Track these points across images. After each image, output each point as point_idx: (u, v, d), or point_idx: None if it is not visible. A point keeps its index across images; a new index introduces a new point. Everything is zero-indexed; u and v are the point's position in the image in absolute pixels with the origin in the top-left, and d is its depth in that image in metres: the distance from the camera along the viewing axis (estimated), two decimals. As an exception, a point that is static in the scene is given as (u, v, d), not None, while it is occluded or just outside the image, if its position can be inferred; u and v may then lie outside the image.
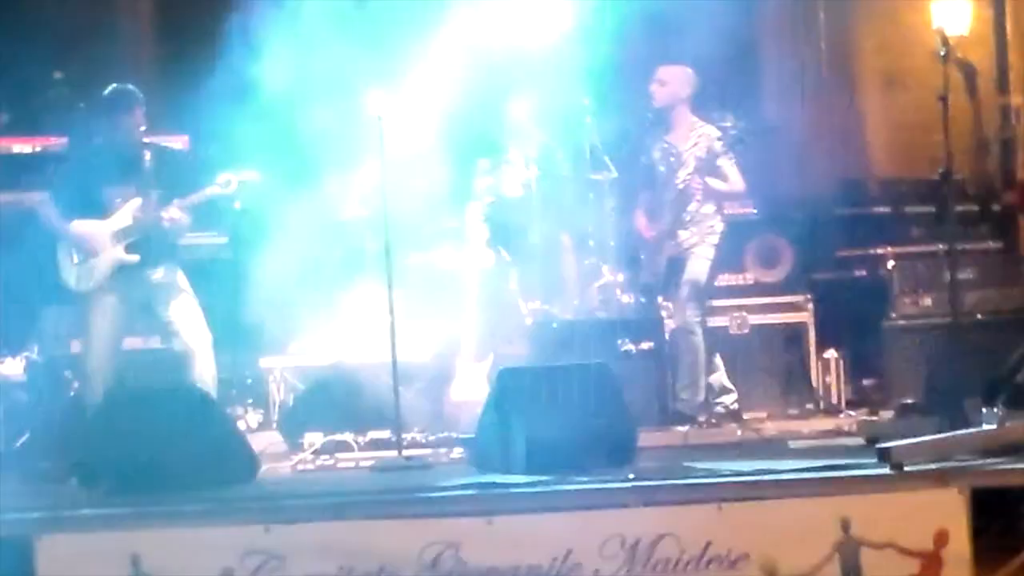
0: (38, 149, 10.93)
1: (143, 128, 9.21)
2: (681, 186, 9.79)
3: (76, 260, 9.16)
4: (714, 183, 9.74)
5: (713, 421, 9.70)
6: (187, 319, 9.24)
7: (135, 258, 9.13)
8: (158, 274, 9.23)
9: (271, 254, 10.19)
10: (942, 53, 8.74)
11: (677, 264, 9.88)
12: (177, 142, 10.91)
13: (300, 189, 10.72)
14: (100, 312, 9.20)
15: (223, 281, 10.25)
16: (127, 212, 9.13)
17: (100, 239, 9.11)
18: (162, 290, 9.23)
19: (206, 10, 13.62)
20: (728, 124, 9.71)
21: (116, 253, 9.10)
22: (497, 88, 11.23)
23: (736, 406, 9.90)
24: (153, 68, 13.49)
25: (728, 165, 9.75)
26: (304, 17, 13.30)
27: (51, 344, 10.17)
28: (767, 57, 13.41)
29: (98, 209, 9.16)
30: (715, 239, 9.89)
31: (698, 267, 9.81)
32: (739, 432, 9.25)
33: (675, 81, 10.01)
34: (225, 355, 10.11)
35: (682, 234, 9.83)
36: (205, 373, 9.17)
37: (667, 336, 10.21)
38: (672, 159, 9.87)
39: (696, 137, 9.88)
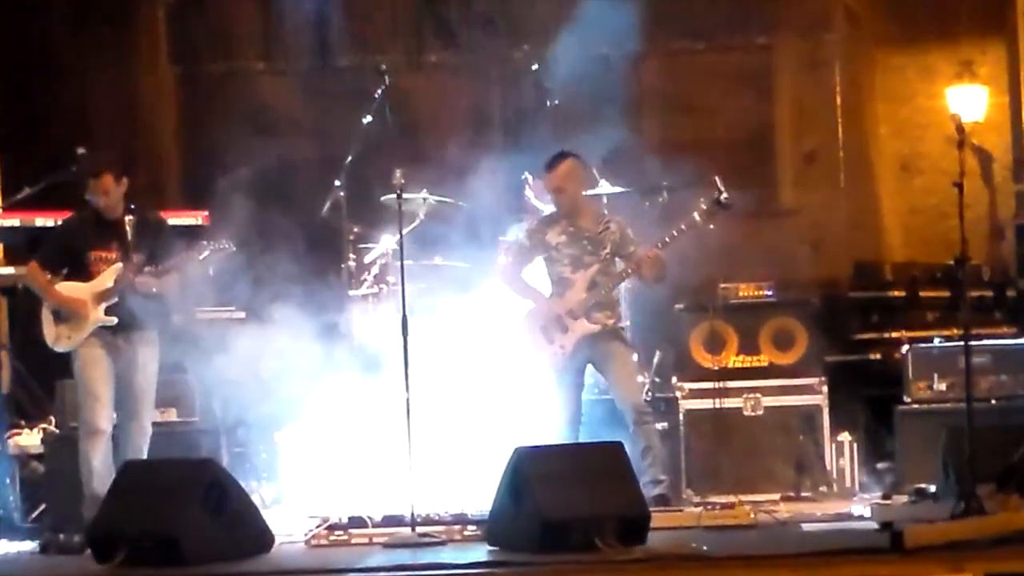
0: (60, 222, 11.02)
1: (119, 192, 9.33)
2: (603, 266, 9.69)
3: (56, 320, 9.32)
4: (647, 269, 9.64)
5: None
6: (147, 396, 9.38)
7: (113, 320, 9.28)
8: (132, 340, 9.35)
9: (287, 327, 10.24)
10: (958, 139, 8.77)
11: (587, 345, 9.66)
12: (197, 218, 11.02)
13: (317, 263, 10.79)
14: (89, 363, 9.32)
15: (239, 355, 10.28)
16: (109, 275, 9.29)
17: (83, 300, 9.27)
18: (133, 359, 9.35)
19: (228, 88, 13.83)
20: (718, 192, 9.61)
21: (97, 314, 9.26)
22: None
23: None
24: (175, 144, 13.64)
25: (640, 251, 9.66)
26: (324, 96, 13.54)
27: (68, 416, 10.20)
28: (783, 140, 13.51)
29: (83, 272, 9.34)
30: (624, 322, 9.75)
31: (625, 351, 9.70)
32: (752, 514, 9.23)
33: (572, 182, 9.79)
34: (241, 429, 10.17)
35: (598, 315, 9.66)
36: (139, 452, 9.27)
37: (681, 416, 10.30)
38: (585, 242, 9.75)
39: (605, 223, 9.77)
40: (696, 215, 9.65)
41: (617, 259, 9.73)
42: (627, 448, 9.12)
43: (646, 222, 10.19)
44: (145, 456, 9.25)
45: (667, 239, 9.66)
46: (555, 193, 9.84)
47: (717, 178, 9.66)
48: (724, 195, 9.58)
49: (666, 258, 9.65)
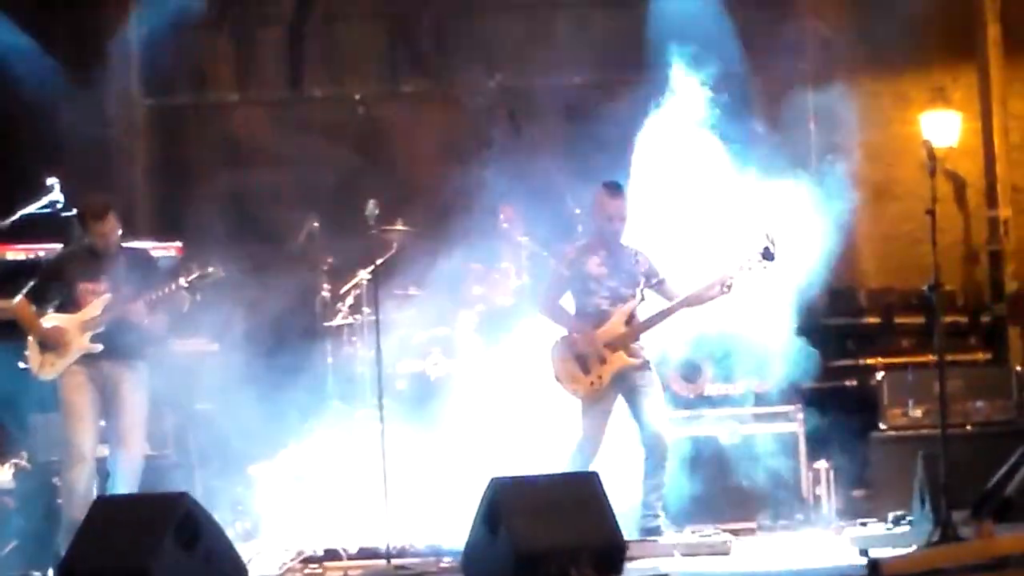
0: (31, 256, 10.97)
1: (118, 232, 9.38)
2: (643, 296, 9.63)
3: (42, 348, 9.32)
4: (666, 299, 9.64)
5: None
6: (136, 426, 9.34)
7: (98, 347, 9.28)
8: (118, 369, 9.33)
9: (261, 360, 10.21)
10: (930, 165, 8.77)
11: (622, 378, 9.57)
12: (170, 249, 10.98)
13: (291, 294, 10.75)
14: (74, 388, 9.32)
15: (213, 386, 10.25)
16: (97, 304, 9.31)
17: (67, 329, 9.28)
18: (119, 389, 9.33)
19: (199, 120, 13.81)
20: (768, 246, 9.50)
21: (82, 342, 9.28)
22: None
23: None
24: (148, 175, 13.61)
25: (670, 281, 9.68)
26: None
27: (40, 451, 10.14)
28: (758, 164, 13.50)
29: (71, 304, 9.35)
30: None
31: (659, 386, 9.65)
32: (729, 543, 9.21)
33: (626, 212, 9.72)
34: (215, 462, 10.11)
35: (636, 347, 9.60)
36: (129, 484, 9.22)
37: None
38: (624, 275, 9.70)
39: (635, 255, 9.68)
40: (740, 268, 9.52)
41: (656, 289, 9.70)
42: (643, 475, 9.35)
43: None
44: (137, 487, 9.21)
45: (709, 287, 9.56)
46: (621, 221, 9.68)
47: (768, 232, 9.50)
48: (773, 250, 9.45)
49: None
